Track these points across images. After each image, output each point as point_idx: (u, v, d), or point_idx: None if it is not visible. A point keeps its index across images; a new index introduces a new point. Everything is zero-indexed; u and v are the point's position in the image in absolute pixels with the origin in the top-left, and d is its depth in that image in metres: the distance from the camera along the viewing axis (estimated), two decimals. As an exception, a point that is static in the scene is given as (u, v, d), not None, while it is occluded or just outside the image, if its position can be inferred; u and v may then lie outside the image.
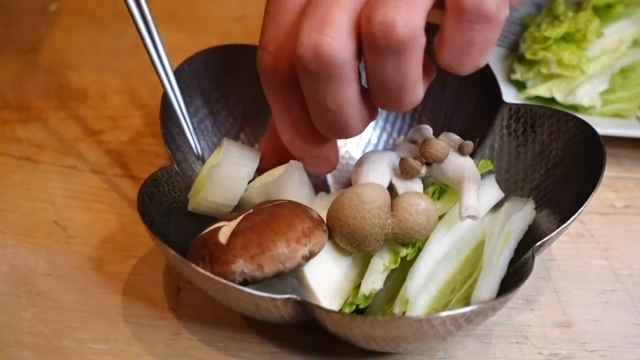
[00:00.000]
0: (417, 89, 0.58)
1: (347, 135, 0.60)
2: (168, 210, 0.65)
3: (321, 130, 0.61)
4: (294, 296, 0.57)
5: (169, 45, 0.91)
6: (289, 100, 0.61)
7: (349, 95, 0.57)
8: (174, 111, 0.68)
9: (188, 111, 0.70)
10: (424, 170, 0.64)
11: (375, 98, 0.59)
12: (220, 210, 0.65)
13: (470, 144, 0.65)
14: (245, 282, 0.58)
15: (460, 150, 0.65)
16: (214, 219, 0.64)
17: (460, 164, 0.64)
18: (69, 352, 0.62)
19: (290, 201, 0.63)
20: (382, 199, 0.60)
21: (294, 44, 0.56)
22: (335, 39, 0.54)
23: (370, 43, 0.55)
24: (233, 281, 0.58)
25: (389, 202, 0.61)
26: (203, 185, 0.65)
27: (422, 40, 0.55)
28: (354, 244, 0.61)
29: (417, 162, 0.64)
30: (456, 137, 0.66)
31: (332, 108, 0.58)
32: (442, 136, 0.67)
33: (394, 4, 0.54)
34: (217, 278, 0.57)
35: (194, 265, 0.58)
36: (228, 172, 0.66)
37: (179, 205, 0.66)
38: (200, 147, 0.70)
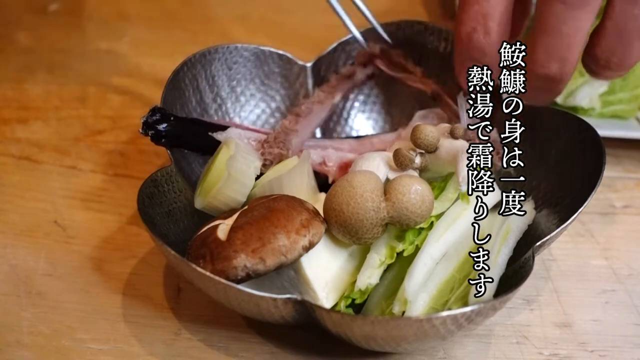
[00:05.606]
0: None
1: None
2: (168, 210, 0.65)
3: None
4: (294, 296, 0.57)
5: (168, 45, 0.92)
6: None
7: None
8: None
9: (184, 110, 0.69)
10: (418, 159, 0.64)
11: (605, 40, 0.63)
12: (229, 206, 0.65)
13: (461, 127, 0.65)
14: (247, 277, 0.58)
15: (453, 135, 0.65)
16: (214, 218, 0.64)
17: (454, 146, 0.64)
18: (69, 352, 0.62)
19: (285, 195, 0.63)
20: (373, 183, 0.60)
21: None
22: None
23: None
24: (235, 276, 0.58)
25: (381, 186, 0.61)
26: (218, 179, 0.65)
27: None
28: (351, 232, 0.60)
29: (411, 151, 0.64)
30: (446, 125, 0.66)
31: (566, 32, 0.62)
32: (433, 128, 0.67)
33: None
34: (217, 278, 0.57)
35: (194, 266, 0.58)
36: (242, 166, 0.66)
37: (179, 205, 0.66)
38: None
